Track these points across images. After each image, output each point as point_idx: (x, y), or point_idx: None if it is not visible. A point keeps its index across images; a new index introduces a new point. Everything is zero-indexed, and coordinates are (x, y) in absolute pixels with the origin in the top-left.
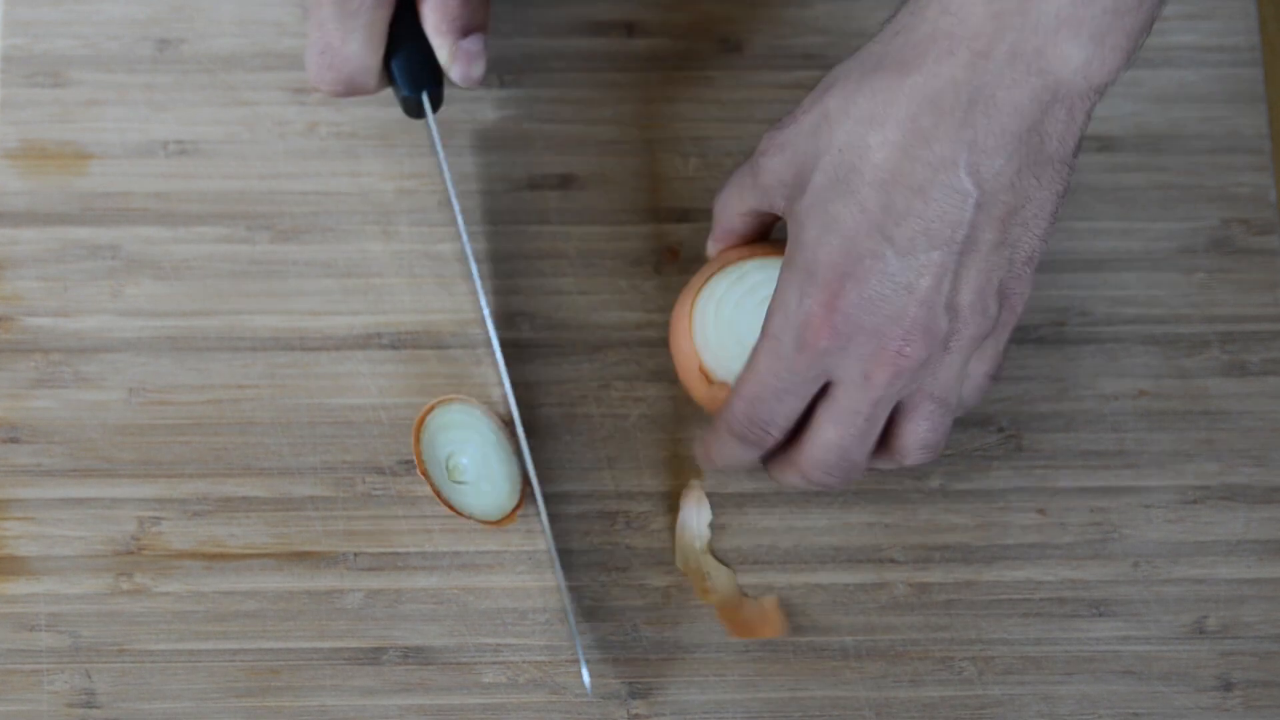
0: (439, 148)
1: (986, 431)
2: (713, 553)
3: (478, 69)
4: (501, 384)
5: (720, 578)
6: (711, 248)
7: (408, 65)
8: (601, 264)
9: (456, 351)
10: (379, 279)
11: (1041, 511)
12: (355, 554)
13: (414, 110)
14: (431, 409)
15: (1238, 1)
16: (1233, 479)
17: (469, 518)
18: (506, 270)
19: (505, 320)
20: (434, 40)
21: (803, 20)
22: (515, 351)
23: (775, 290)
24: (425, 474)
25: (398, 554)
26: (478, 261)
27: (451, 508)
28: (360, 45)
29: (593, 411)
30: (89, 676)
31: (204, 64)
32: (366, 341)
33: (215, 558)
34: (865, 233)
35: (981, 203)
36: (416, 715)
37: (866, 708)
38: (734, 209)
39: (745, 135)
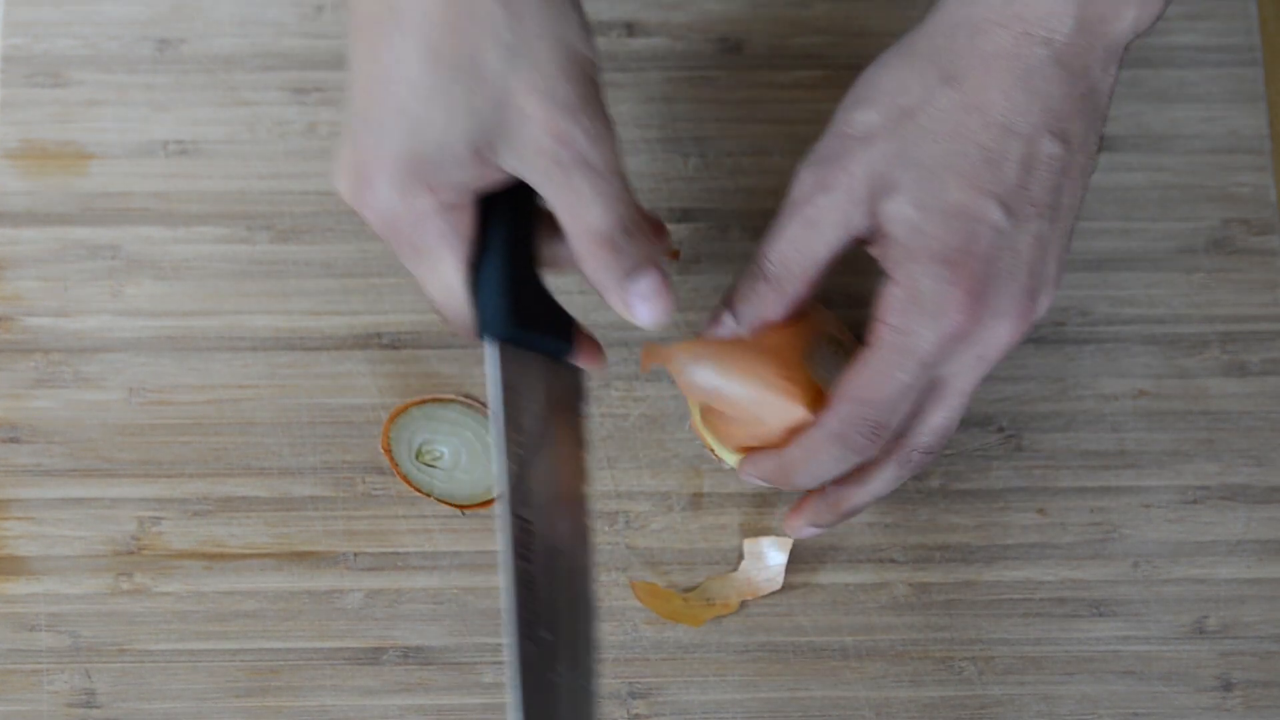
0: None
1: (986, 431)
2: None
3: (657, 311)
4: None
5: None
6: (756, 326)
7: (489, 300)
8: None
9: (456, 351)
10: (379, 279)
11: (1041, 511)
12: (355, 554)
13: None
14: (421, 403)
15: (1238, 1)
16: (1233, 479)
17: (428, 495)
18: None
19: None
20: (598, 289)
21: (803, 20)
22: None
23: (892, 288)
24: (387, 450)
25: (398, 554)
26: None
27: (408, 482)
28: (438, 287)
29: (593, 411)
30: (89, 676)
31: (204, 64)
32: (366, 341)
33: (215, 558)
34: (984, 208)
35: (1066, 164)
36: (416, 715)
37: (866, 708)
38: (800, 271)
39: (745, 135)
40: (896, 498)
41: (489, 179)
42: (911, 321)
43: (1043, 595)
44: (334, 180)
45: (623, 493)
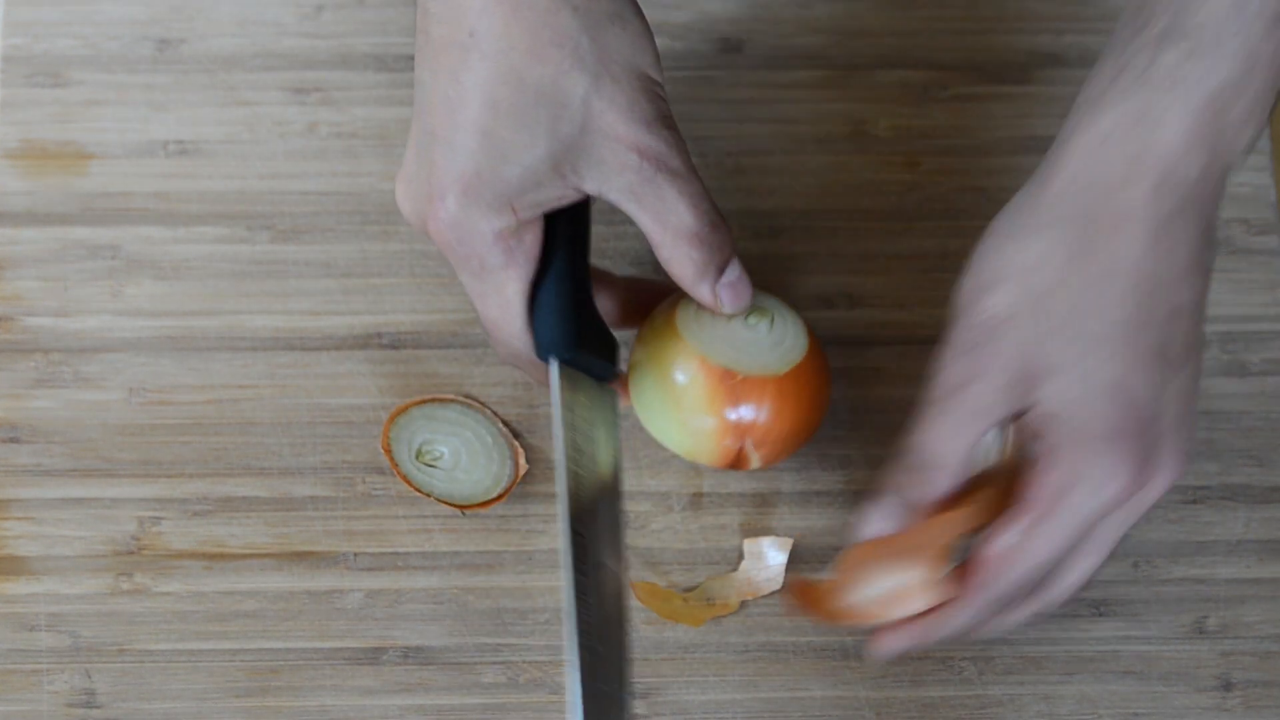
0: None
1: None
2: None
3: (743, 296)
4: (503, 384)
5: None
6: (915, 512)
7: (547, 321)
8: (601, 264)
9: (456, 351)
10: (379, 279)
11: None
12: (355, 554)
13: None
14: (421, 403)
15: None
16: (1233, 479)
17: (428, 495)
18: None
19: None
20: (688, 290)
21: (803, 20)
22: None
23: (1051, 468)
24: (387, 449)
25: (398, 554)
26: None
27: (408, 482)
28: (496, 309)
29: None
30: (89, 676)
31: (204, 64)
32: (366, 341)
33: (215, 558)
34: (1142, 381)
35: (1200, 307)
36: (416, 715)
37: (866, 708)
38: (951, 463)
39: (745, 135)
40: None
41: (564, 199)
42: (1076, 495)
43: None
44: (399, 198)
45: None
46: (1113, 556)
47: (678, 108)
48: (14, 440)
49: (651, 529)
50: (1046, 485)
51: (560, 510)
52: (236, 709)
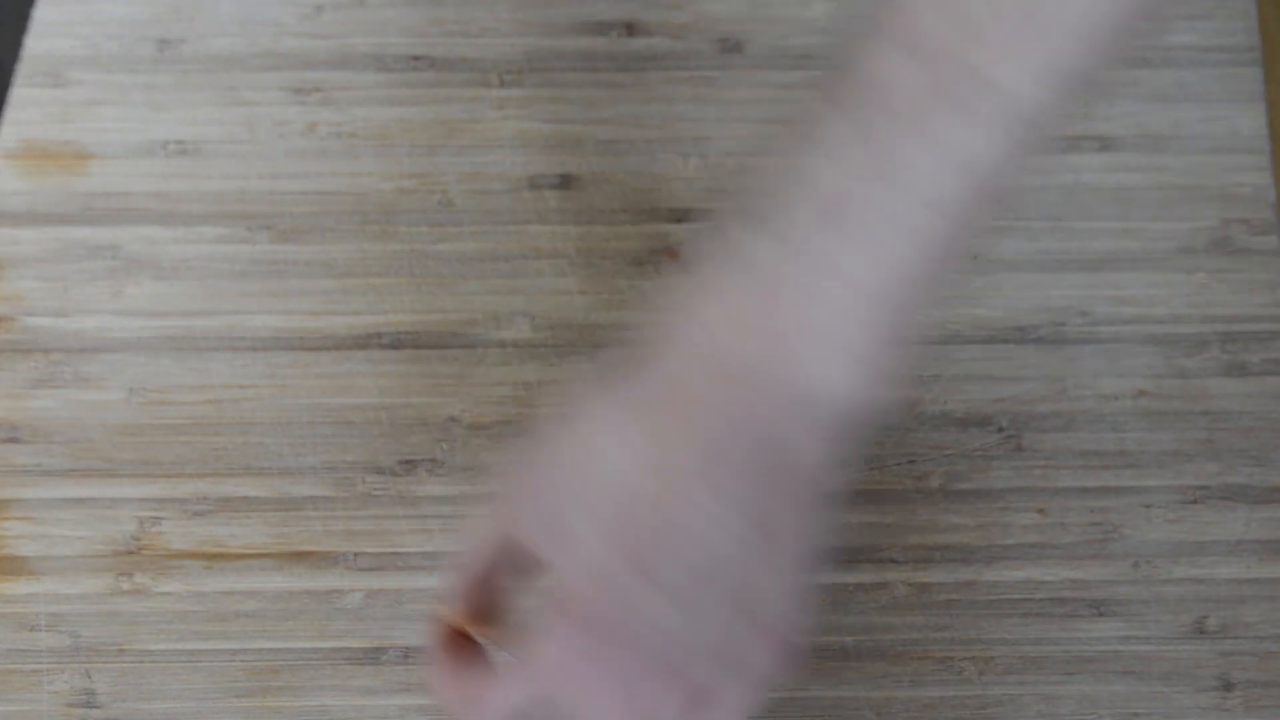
0: None
1: (986, 431)
2: None
3: None
4: (503, 384)
5: None
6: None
7: None
8: (601, 264)
9: (456, 351)
10: (379, 279)
11: (1041, 511)
12: (355, 554)
13: None
14: None
15: (1238, 1)
16: (1233, 479)
17: None
18: (506, 270)
19: (505, 320)
20: None
21: (803, 20)
22: (515, 351)
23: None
24: None
25: (398, 554)
26: (477, 261)
27: None
28: None
29: None
30: (89, 676)
31: (204, 64)
32: (366, 341)
33: (215, 558)
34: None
35: (737, 537)
36: (416, 715)
37: (866, 708)
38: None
39: (745, 135)
40: (897, 498)
41: None
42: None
43: (1043, 595)
44: None
45: None
46: (1111, 555)
47: (678, 108)
48: (14, 440)
49: None
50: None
51: None
52: (236, 709)
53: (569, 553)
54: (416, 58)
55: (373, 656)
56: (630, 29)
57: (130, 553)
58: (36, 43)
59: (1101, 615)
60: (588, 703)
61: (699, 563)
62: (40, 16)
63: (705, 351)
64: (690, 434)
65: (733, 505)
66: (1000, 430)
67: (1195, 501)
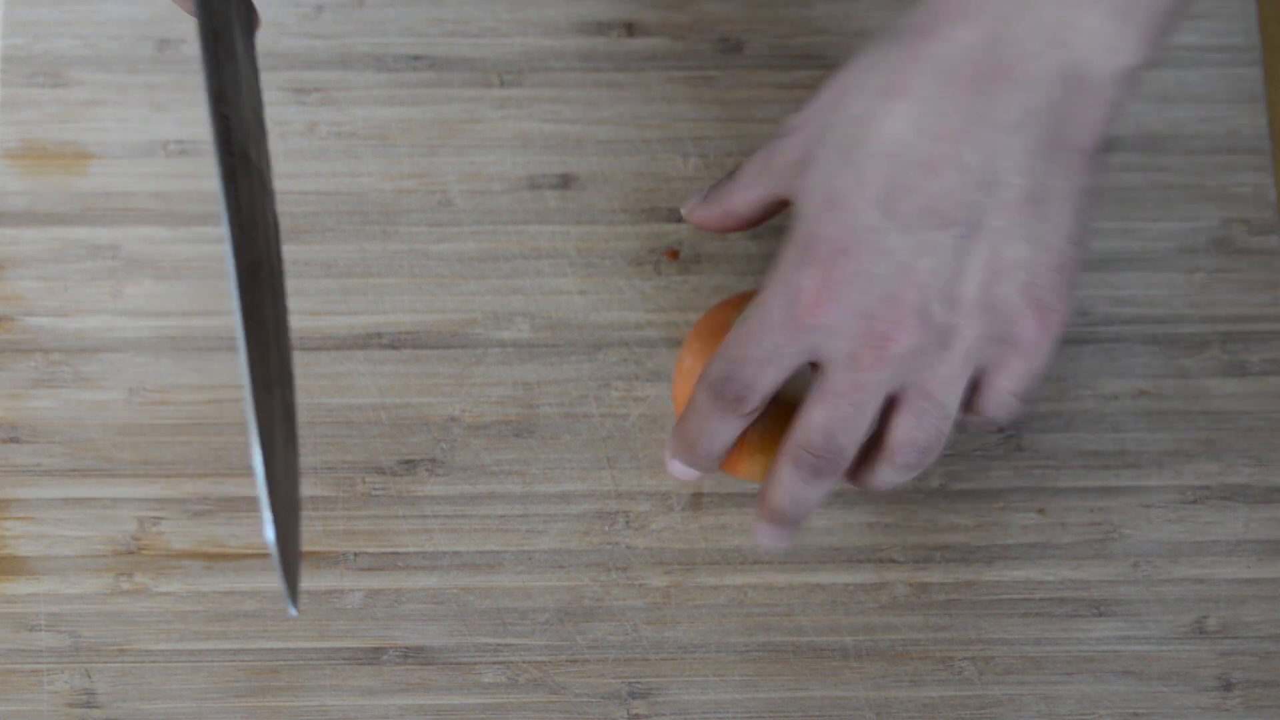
0: None
1: (986, 431)
2: None
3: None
4: (503, 384)
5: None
6: (700, 214)
7: None
8: (601, 264)
9: (456, 351)
10: (379, 279)
11: (1041, 511)
12: (355, 554)
13: None
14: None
15: (1238, 1)
16: (1233, 479)
17: None
18: (506, 270)
19: (505, 320)
20: None
21: (803, 20)
22: (515, 351)
23: (777, 261)
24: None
25: (398, 554)
26: (477, 261)
27: None
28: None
29: (593, 411)
30: (89, 676)
31: None
32: (366, 341)
33: (215, 558)
34: (866, 208)
35: (989, 182)
36: (416, 715)
37: (866, 708)
38: (745, 195)
39: (745, 135)
40: (896, 498)
41: None
42: (772, 297)
43: (1043, 595)
44: None
45: (623, 493)
46: (1111, 555)
47: (678, 108)
48: (14, 440)
49: (652, 529)
50: (773, 270)
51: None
52: (236, 709)
53: (822, 196)
54: (416, 58)
55: (373, 656)
56: (630, 29)
57: (130, 553)
58: (36, 43)
59: (1101, 615)
60: (834, 332)
61: (951, 208)
62: (40, 16)
63: (976, 25)
64: (957, 78)
65: (1008, 167)
66: (1000, 430)
67: (1195, 501)
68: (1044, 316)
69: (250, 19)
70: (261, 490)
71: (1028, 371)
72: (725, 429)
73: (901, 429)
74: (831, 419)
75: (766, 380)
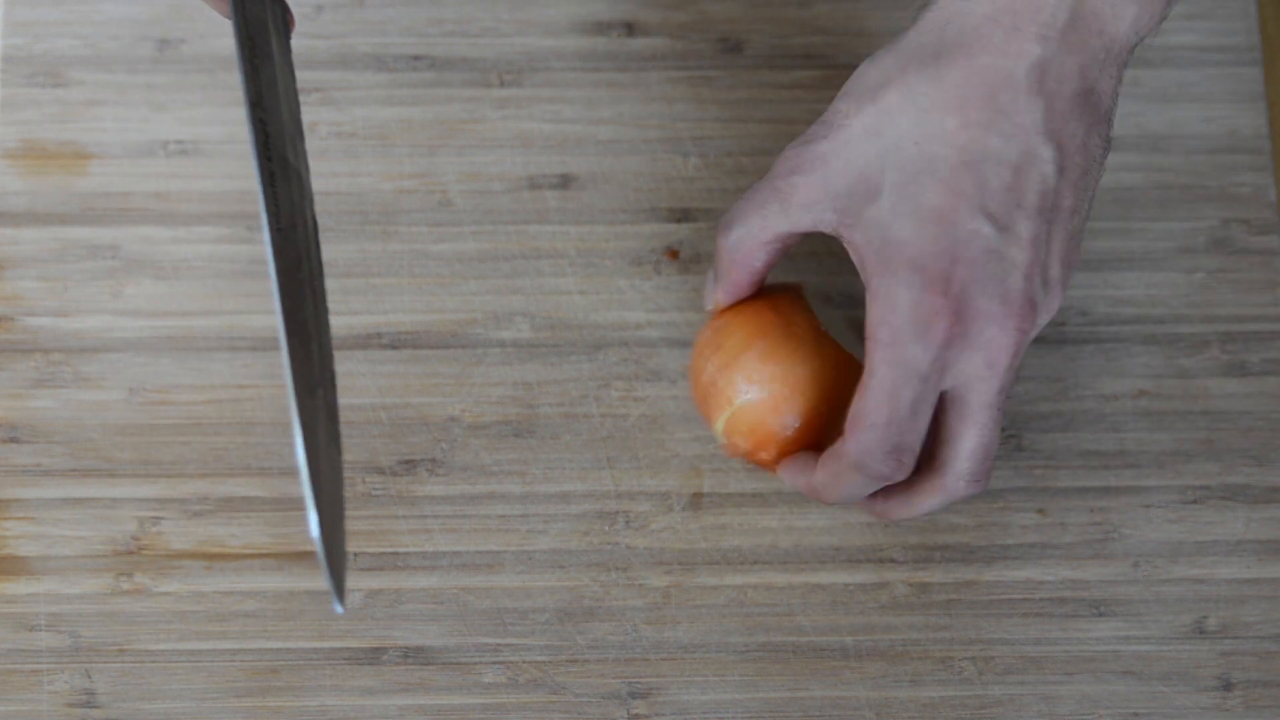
0: None
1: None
2: None
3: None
4: (503, 384)
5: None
6: (723, 296)
7: None
8: (601, 264)
9: (456, 351)
10: (379, 279)
11: (1041, 511)
12: (355, 554)
13: None
14: None
15: (1238, 1)
16: (1233, 479)
17: None
18: (506, 270)
19: (505, 320)
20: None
21: (803, 20)
22: (515, 351)
23: (873, 302)
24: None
25: (397, 554)
26: (477, 261)
27: None
28: None
29: (593, 411)
30: (89, 676)
31: (204, 64)
32: (366, 341)
33: (215, 558)
34: (964, 214)
35: (1063, 166)
36: (416, 715)
37: (866, 708)
38: (756, 238)
39: (745, 135)
40: None
41: None
42: (898, 334)
43: (1043, 595)
44: None
45: (623, 493)
46: (1111, 555)
47: (678, 108)
48: (14, 440)
49: (652, 529)
50: (874, 326)
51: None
52: (236, 709)
53: (911, 216)
54: (416, 58)
55: (373, 656)
56: (630, 29)
57: (130, 553)
58: (36, 43)
59: (1101, 615)
60: (967, 340)
61: (1038, 198)
62: (40, 16)
63: (1016, 8)
64: (1018, 82)
65: (1073, 147)
66: (1000, 430)
67: (1195, 501)
68: (1063, 283)
69: (285, 20)
70: (307, 490)
71: (1013, 347)
72: (876, 488)
73: (971, 440)
74: (987, 434)
75: (921, 425)
